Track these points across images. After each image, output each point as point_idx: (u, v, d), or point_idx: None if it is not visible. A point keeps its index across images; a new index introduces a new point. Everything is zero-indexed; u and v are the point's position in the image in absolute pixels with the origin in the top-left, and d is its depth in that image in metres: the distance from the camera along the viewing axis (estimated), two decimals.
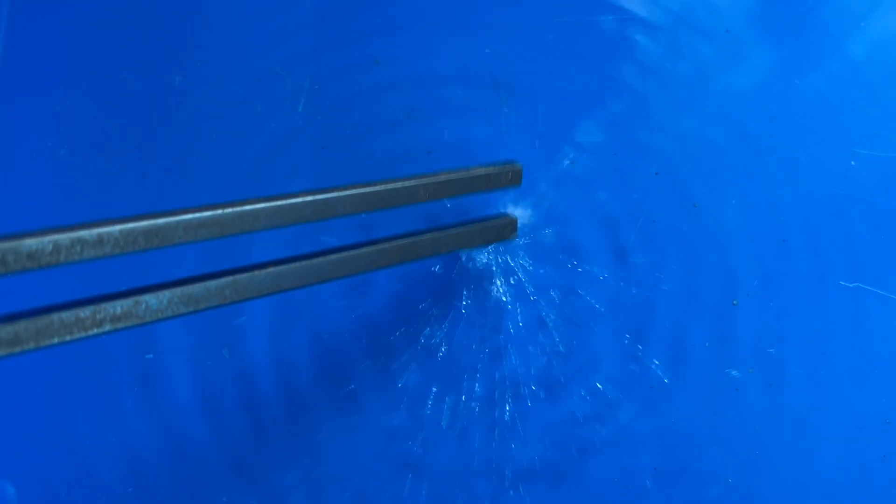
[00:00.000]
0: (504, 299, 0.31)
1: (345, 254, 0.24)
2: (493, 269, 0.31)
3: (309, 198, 0.22)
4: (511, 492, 0.31)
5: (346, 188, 0.23)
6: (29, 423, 0.34)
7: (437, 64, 0.32)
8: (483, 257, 0.31)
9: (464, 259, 0.31)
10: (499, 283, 0.31)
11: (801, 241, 0.30)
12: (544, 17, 0.32)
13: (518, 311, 0.31)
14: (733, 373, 0.30)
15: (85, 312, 0.18)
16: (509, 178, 0.28)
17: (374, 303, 0.32)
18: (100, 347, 0.33)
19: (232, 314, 0.33)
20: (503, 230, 0.29)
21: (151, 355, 0.33)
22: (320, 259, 0.23)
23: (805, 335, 0.30)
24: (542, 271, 0.31)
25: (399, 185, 0.24)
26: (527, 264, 0.31)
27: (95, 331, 0.18)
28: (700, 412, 0.30)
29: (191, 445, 0.33)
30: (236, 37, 0.33)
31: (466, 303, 0.31)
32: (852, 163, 0.29)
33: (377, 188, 0.24)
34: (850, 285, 0.29)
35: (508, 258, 0.31)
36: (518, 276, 0.31)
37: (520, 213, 0.31)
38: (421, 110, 0.32)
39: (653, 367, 0.30)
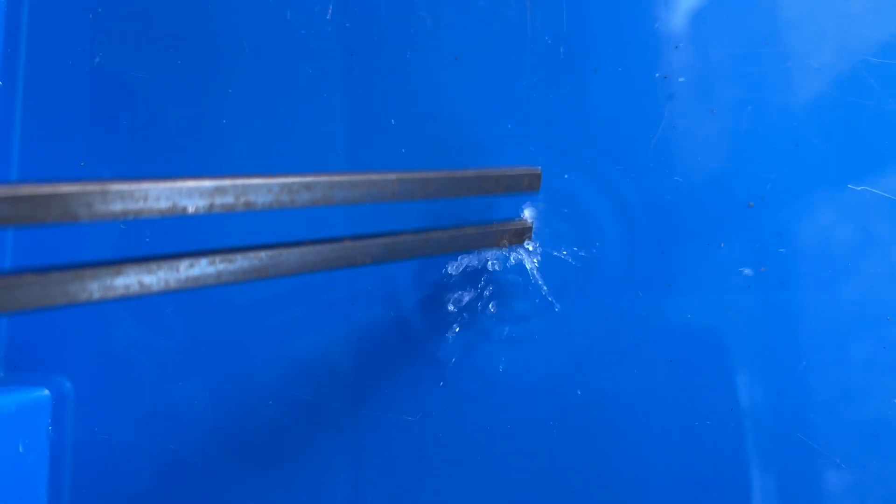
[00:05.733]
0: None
1: (348, 244, 0.24)
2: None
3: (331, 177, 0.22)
4: (509, 477, 0.31)
5: (360, 174, 0.23)
6: None
7: None
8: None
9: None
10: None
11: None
12: None
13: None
14: (740, 377, 0.30)
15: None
16: (527, 184, 0.27)
17: None
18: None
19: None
20: (519, 234, 0.28)
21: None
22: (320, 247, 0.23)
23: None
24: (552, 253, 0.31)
25: (415, 175, 0.24)
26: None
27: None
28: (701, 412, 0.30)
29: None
30: None
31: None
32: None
33: (388, 176, 0.23)
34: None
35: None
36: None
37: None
38: (447, 18, 0.33)
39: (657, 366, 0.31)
